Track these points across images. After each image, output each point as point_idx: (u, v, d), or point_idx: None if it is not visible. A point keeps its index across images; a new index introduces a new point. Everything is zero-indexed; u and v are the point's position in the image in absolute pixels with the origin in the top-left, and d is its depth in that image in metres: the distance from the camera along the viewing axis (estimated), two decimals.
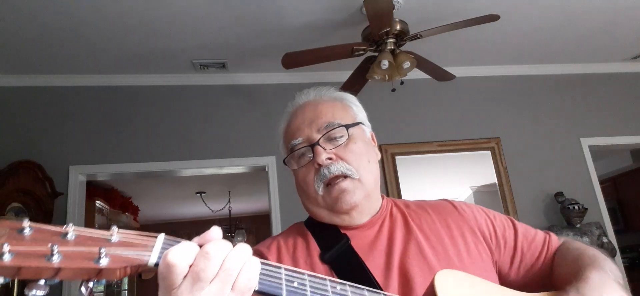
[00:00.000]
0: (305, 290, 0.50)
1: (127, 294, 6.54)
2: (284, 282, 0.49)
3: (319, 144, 0.82)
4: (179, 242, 0.48)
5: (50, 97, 3.16)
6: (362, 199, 0.82)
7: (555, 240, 0.88)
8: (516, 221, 0.90)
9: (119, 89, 3.27)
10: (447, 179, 3.90)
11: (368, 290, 0.56)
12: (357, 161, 0.82)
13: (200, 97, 3.37)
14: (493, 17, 2.44)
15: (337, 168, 0.81)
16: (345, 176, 0.81)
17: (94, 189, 4.71)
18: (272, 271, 0.50)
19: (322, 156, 0.81)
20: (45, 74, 3.13)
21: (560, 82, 3.82)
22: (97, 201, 4.75)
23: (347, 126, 0.85)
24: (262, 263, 0.50)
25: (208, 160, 3.23)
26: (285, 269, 0.51)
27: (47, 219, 2.82)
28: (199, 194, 6.19)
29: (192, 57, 3.11)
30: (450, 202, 0.92)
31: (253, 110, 3.40)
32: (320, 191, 0.82)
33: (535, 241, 0.87)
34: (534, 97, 3.74)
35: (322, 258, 0.78)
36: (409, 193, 3.30)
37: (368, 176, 0.84)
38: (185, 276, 0.45)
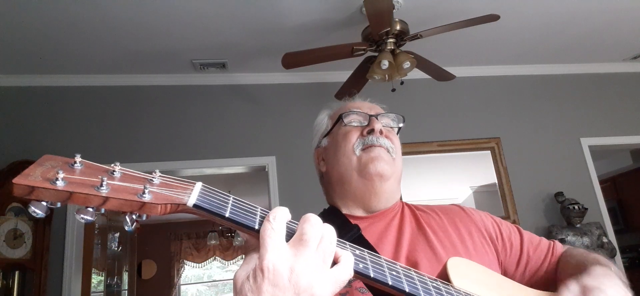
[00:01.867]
0: (384, 271, 0.55)
1: (127, 294, 6.53)
2: (370, 264, 0.55)
3: (377, 118, 0.91)
4: (215, 191, 0.52)
5: (50, 97, 3.16)
6: (391, 175, 0.88)
7: (560, 247, 0.91)
8: (521, 228, 0.94)
9: (119, 89, 3.27)
10: (447, 179, 3.89)
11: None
12: (398, 147, 0.93)
13: (200, 97, 3.37)
14: (493, 17, 2.44)
15: (384, 141, 0.89)
16: (387, 150, 0.89)
17: None
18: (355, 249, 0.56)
19: (378, 125, 0.89)
20: (45, 74, 3.13)
21: (560, 82, 3.82)
22: None
23: (397, 120, 0.98)
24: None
25: (208, 160, 3.23)
26: (368, 251, 0.56)
27: (47, 219, 2.82)
28: None
29: (192, 57, 3.11)
30: (458, 206, 0.96)
31: (253, 110, 3.40)
32: (358, 151, 0.88)
33: (540, 246, 0.90)
34: (534, 97, 3.74)
35: None
36: (409, 193, 3.29)
37: (400, 164, 0.94)
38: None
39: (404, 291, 0.55)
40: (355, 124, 0.92)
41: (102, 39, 2.79)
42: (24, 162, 2.83)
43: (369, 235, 0.82)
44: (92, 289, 5.05)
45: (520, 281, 0.86)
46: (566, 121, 3.69)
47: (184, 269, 7.38)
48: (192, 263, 7.40)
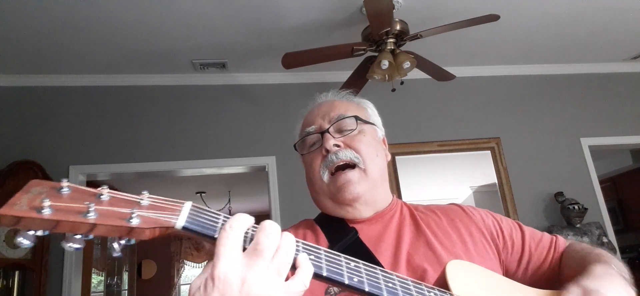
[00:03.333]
0: (320, 263, 0.52)
1: (127, 294, 6.53)
2: (324, 263, 0.53)
3: (328, 132, 0.85)
4: (206, 210, 0.51)
5: (50, 97, 3.16)
6: (366, 191, 0.83)
7: (562, 242, 0.89)
8: (522, 224, 0.92)
9: (119, 89, 3.27)
10: (447, 179, 3.90)
11: (380, 270, 0.57)
12: (365, 151, 0.84)
13: (200, 97, 3.37)
14: (493, 17, 2.44)
15: (344, 155, 0.83)
16: (353, 166, 0.83)
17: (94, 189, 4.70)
18: (313, 251, 0.54)
19: (330, 142, 0.83)
20: (45, 74, 3.13)
21: (560, 82, 3.81)
22: None
23: (357, 118, 0.87)
24: (301, 242, 0.53)
25: (208, 160, 3.23)
26: (302, 242, 0.54)
27: None
28: (199, 194, 6.19)
29: (192, 57, 3.11)
30: (458, 205, 0.93)
31: (253, 110, 3.40)
32: (325, 178, 0.84)
33: (542, 242, 0.88)
34: (534, 97, 3.74)
35: None
36: (409, 193, 3.29)
37: (374, 168, 0.85)
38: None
39: None
40: (314, 148, 0.87)
41: (102, 39, 2.79)
42: (24, 162, 2.84)
43: (367, 238, 0.81)
44: (92, 289, 5.05)
45: (523, 279, 0.85)
46: (566, 121, 3.69)
47: (184, 269, 7.38)
48: (192, 263, 7.40)
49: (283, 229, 0.90)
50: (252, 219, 0.51)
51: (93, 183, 4.38)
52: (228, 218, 0.50)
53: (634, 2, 2.95)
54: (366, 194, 0.83)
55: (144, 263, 7.09)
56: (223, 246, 0.46)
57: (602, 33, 3.33)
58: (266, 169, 3.27)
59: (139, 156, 3.13)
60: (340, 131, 0.87)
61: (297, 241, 0.53)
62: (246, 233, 0.50)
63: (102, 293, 5.57)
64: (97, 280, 5.27)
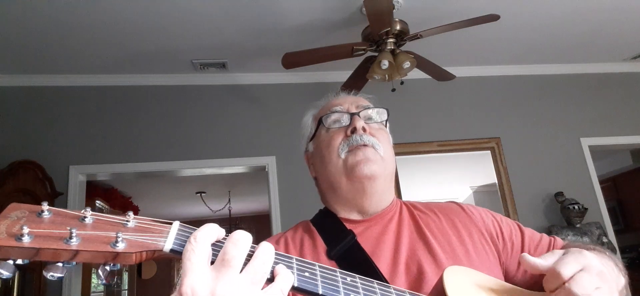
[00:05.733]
0: (316, 281, 0.51)
1: (127, 294, 6.54)
2: (296, 271, 0.50)
3: (358, 115, 0.87)
4: (192, 230, 0.49)
5: (50, 97, 3.16)
6: (380, 175, 0.84)
7: (560, 242, 0.89)
8: (522, 225, 0.91)
9: (119, 89, 3.27)
10: (447, 179, 3.90)
11: (377, 283, 0.56)
12: (384, 144, 0.87)
13: (200, 97, 3.37)
14: (493, 17, 2.44)
15: (368, 139, 0.84)
16: (373, 148, 0.85)
17: (93, 189, 4.71)
18: (284, 260, 0.51)
19: (360, 123, 0.85)
20: (45, 74, 3.13)
21: (560, 82, 3.82)
22: (97, 201, 4.75)
23: (387, 113, 0.92)
24: (276, 253, 0.51)
25: (208, 160, 3.23)
26: (297, 259, 0.52)
27: None
28: (199, 194, 6.19)
29: (192, 57, 3.11)
30: (458, 204, 0.93)
31: (253, 110, 3.40)
32: (343, 154, 0.84)
33: (541, 243, 0.88)
34: (534, 97, 3.74)
35: (329, 255, 0.79)
36: (409, 193, 3.30)
37: (390, 162, 0.87)
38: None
39: None
40: (337, 125, 0.88)
41: (102, 39, 2.79)
42: (24, 162, 2.84)
43: (365, 241, 0.81)
44: (92, 289, 5.05)
45: (522, 281, 0.84)
46: (566, 121, 3.69)
47: None
48: None
49: (277, 235, 0.90)
50: (221, 231, 0.49)
51: (93, 183, 4.38)
52: (254, 247, 0.49)
53: (634, 2, 2.95)
54: (380, 178, 0.84)
55: (144, 263, 7.09)
56: (188, 260, 0.45)
57: (602, 33, 3.33)
58: (266, 169, 3.27)
59: (139, 156, 3.13)
60: (366, 118, 0.90)
61: (289, 258, 0.52)
62: (217, 244, 0.48)
63: (102, 293, 5.58)
64: (97, 279, 5.27)
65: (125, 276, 6.46)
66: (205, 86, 3.39)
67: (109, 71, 3.18)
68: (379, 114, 0.91)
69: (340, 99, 0.93)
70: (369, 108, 0.90)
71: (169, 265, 7.25)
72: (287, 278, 0.48)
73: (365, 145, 0.84)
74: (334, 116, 0.89)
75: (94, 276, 4.74)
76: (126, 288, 6.52)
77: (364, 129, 0.85)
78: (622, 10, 3.02)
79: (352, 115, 0.87)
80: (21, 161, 2.84)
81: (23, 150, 2.95)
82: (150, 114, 3.26)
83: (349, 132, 0.85)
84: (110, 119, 3.20)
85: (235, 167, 3.32)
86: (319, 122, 0.90)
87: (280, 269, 0.49)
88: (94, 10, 2.51)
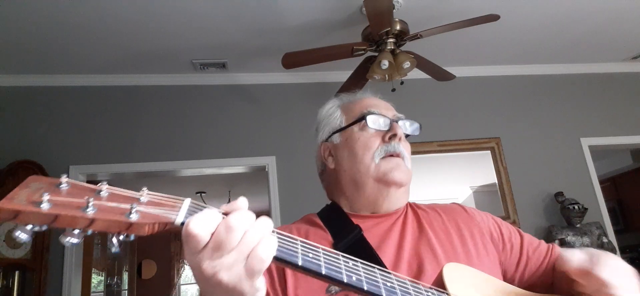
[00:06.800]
0: (319, 262, 0.53)
1: (127, 294, 6.53)
2: (300, 252, 0.52)
3: (398, 123, 0.90)
4: (204, 207, 0.50)
5: (50, 97, 3.16)
6: (407, 182, 0.88)
7: (558, 249, 0.91)
8: (521, 230, 0.94)
9: (119, 88, 3.27)
10: (447, 179, 3.89)
11: (379, 269, 0.58)
12: (409, 156, 0.90)
13: (200, 97, 3.37)
14: (493, 17, 2.44)
15: (404, 148, 0.88)
16: (403, 159, 0.88)
17: None
18: (289, 242, 0.53)
19: (400, 131, 0.88)
20: (45, 74, 3.13)
21: (560, 82, 3.81)
22: None
23: (418, 132, 0.95)
24: (280, 235, 0.53)
25: (208, 160, 3.23)
26: (301, 241, 0.54)
27: None
28: (199, 194, 6.19)
29: (192, 57, 3.11)
30: (460, 205, 0.95)
31: (253, 110, 3.40)
32: (378, 159, 0.86)
33: (540, 248, 0.91)
34: (534, 97, 3.74)
35: (335, 247, 0.80)
36: (409, 193, 3.29)
37: (411, 174, 0.91)
38: (207, 244, 0.48)
39: None
40: (375, 126, 0.89)
41: (102, 39, 2.79)
42: (23, 162, 2.84)
43: (371, 237, 0.82)
44: (92, 289, 5.05)
45: (520, 282, 0.87)
46: (566, 121, 3.69)
47: (184, 269, 7.38)
48: None
49: (290, 224, 0.91)
50: (250, 217, 0.50)
51: (93, 183, 4.36)
52: (226, 214, 0.50)
53: (634, 2, 2.95)
54: (406, 187, 0.88)
55: (144, 263, 7.09)
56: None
57: (602, 33, 3.33)
58: (266, 169, 3.27)
59: (139, 156, 3.13)
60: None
61: (295, 240, 0.54)
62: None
63: (102, 293, 5.57)
64: (97, 279, 5.27)
65: (125, 276, 6.46)
66: (205, 86, 3.39)
67: (109, 71, 3.18)
68: (411, 127, 0.94)
69: (374, 101, 0.94)
70: (403, 119, 0.93)
71: (168, 265, 7.25)
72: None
73: (398, 155, 0.86)
74: (375, 117, 0.89)
75: (94, 276, 4.74)
76: (126, 288, 6.51)
77: (399, 139, 0.87)
78: (622, 10, 3.02)
79: (392, 122, 0.89)
80: (21, 161, 2.84)
81: (23, 150, 2.95)
82: (150, 114, 3.26)
83: (387, 138, 0.87)
84: (110, 119, 3.20)
85: (235, 167, 3.32)
86: (360, 118, 0.89)
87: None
88: (94, 11, 2.51)
